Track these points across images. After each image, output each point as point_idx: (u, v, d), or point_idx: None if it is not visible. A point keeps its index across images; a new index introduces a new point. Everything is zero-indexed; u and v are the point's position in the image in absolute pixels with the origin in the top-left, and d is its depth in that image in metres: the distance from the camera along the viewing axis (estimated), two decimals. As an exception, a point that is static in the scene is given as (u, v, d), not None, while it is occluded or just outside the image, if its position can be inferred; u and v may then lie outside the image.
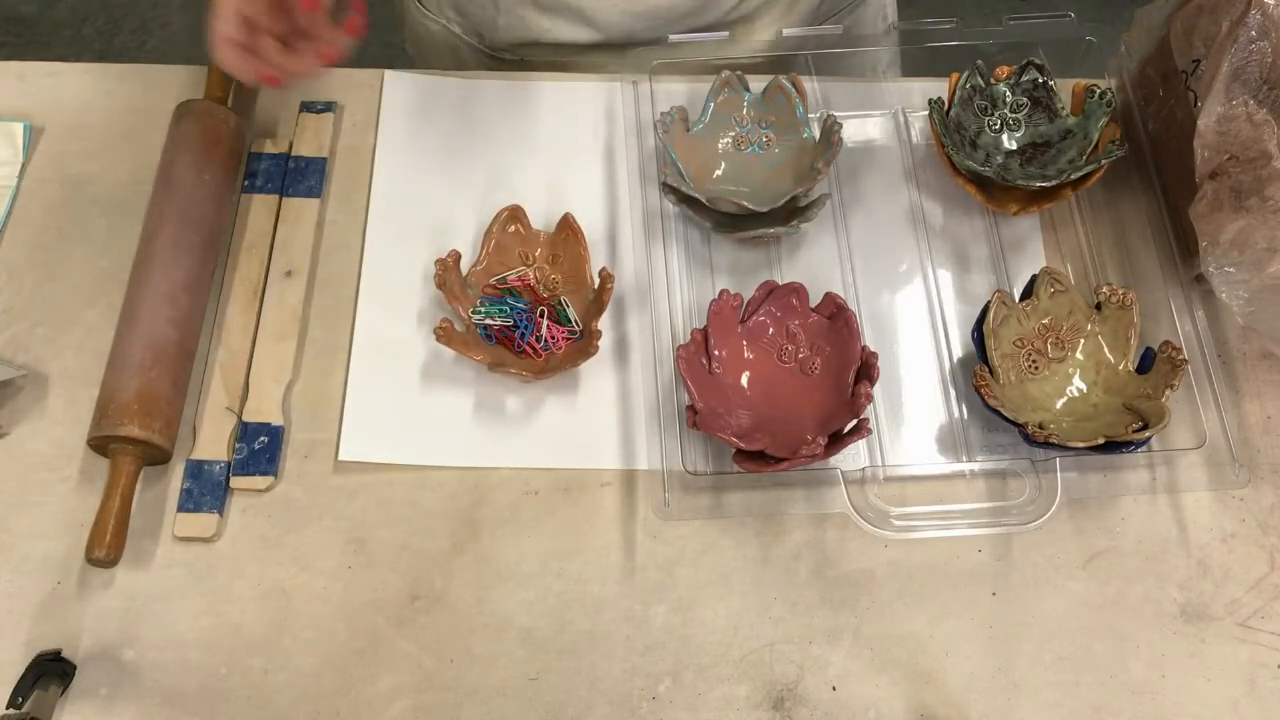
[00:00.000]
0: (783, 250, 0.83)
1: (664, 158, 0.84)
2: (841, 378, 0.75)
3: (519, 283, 0.80)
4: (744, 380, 0.77)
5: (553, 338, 0.77)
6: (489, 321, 0.77)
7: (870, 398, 0.71)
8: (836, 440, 0.71)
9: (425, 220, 0.84)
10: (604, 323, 0.78)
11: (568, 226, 0.81)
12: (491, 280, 0.80)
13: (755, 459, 0.71)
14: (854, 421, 0.71)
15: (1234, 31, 0.71)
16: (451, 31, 0.97)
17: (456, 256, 0.79)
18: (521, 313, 0.77)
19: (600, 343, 0.76)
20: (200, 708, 0.68)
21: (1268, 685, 0.69)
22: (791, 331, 0.77)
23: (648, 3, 0.88)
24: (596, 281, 0.80)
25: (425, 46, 1.00)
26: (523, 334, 0.76)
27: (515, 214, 0.81)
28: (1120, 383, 0.76)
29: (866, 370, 0.73)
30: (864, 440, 0.72)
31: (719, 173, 0.86)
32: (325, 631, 0.70)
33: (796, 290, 0.76)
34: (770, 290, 0.77)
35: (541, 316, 0.77)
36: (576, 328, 0.78)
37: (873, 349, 0.74)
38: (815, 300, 0.77)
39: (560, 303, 0.79)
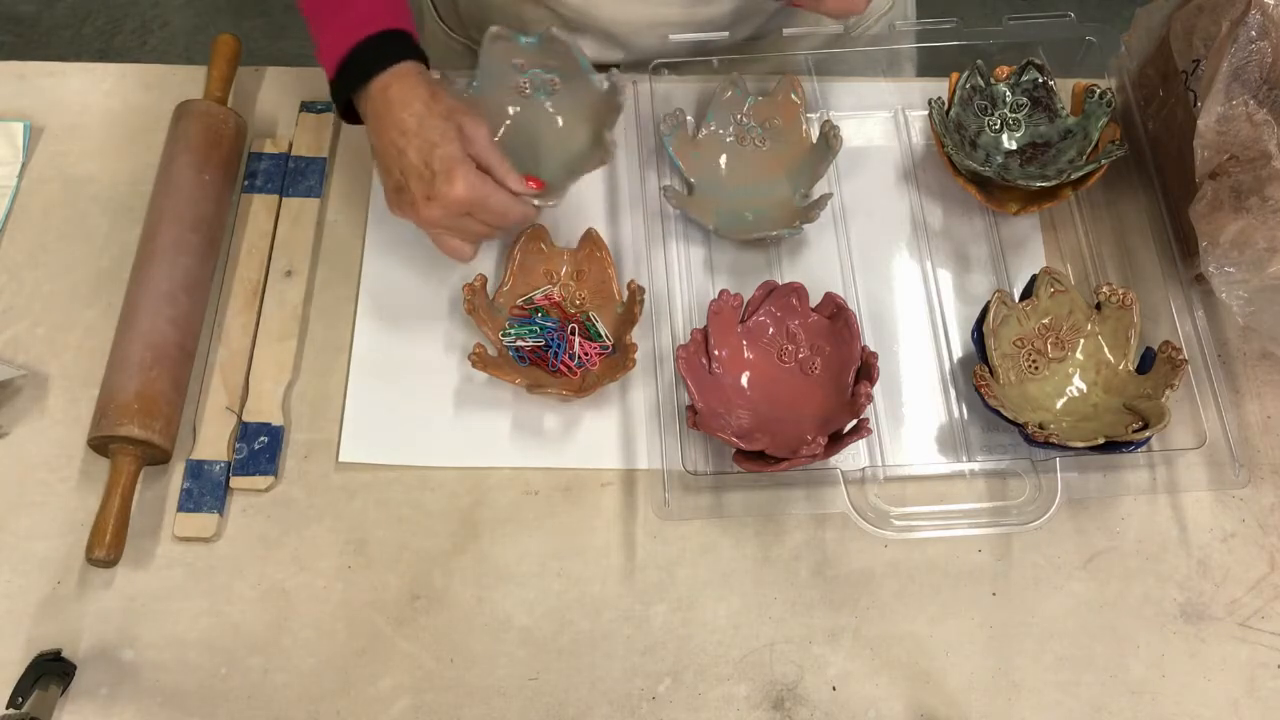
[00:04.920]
0: (783, 250, 0.83)
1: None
2: (841, 378, 0.75)
3: (546, 301, 0.79)
4: (744, 380, 0.77)
5: (586, 354, 0.77)
6: (520, 343, 0.76)
7: (870, 398, 0.71)
8: (836, 440, 0.71)
9: (425, 220, 0.84)
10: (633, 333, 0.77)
11: (591, 241, 0.80)
12: (518, 301, 0.80)
13: (755, 459, 0.71)
14: (854, 422, 0.71)
15: (1234, 31, 0.71)
16: (474, 51, 0.97)
17: (483, 280, 0.78)
18: (552, 331, 0.77)
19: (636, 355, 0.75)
20: (200, 708, 0.68)
21: (1268, 685, 0.69)
22: (791, 331, 0.77)
23: (681, 25, 0.87)
24: (624, 294, 0.79)
25: (448, 63, 1.00)
26: (555, 353, 0.76)
27: (537, 234, 0.81)
28: (1120, 383, 0.76)
29: (866, 370, 0.73)
30: (864, 440, 0.72)
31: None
32: (325, 631, 0.70)
33: (796, 290, 0.76)
34: (770, 290, 0.77)
35: (572, 334, 0.77)
36: (608, 342, 0.78)
37: (873, 349, 0.74)
38: (815, 300, 0.77)
39: (589, 318, 0.78)
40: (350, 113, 0.74)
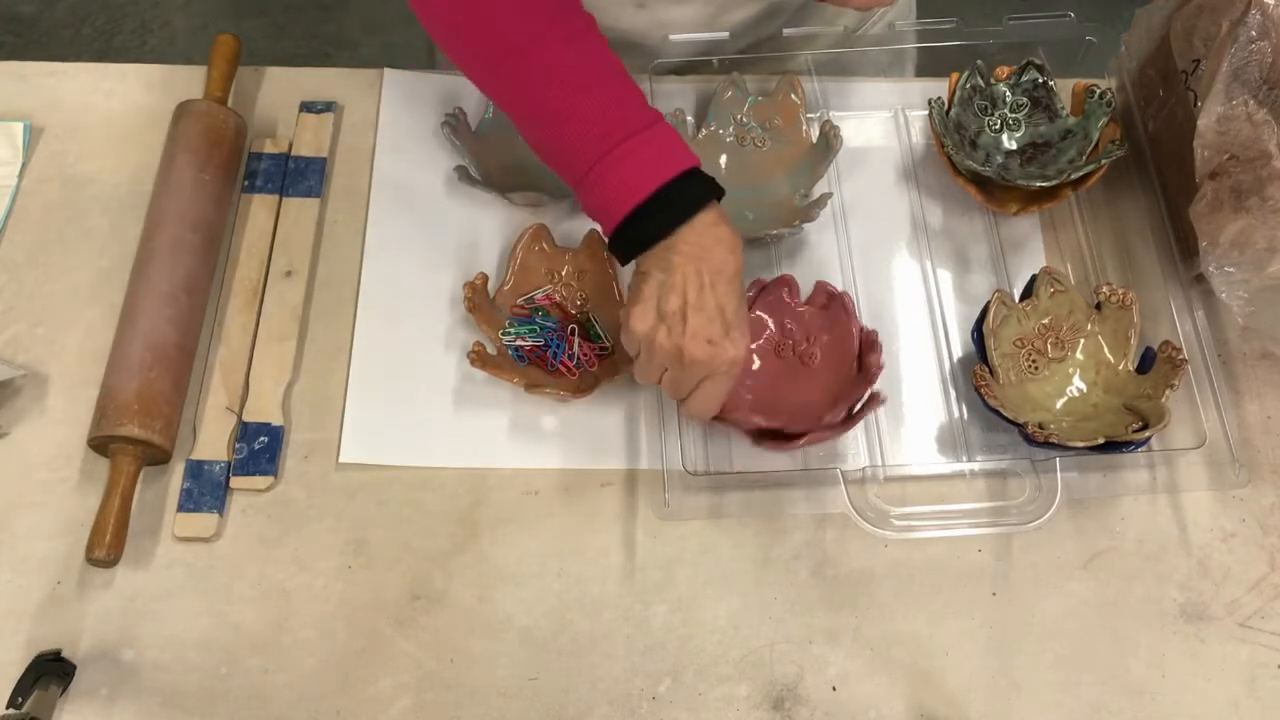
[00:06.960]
0: (783, 250, 0.83)
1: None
2: (844, 361, 0.75)
3: (546, 301, 0.79)
4: (745, 380, 0.77)
5: (585, 355, 0.77)
6: (520, 342, 0.76)
7: (882, 367, 0.72)
8: (852, 416, 0.71)
9: (425, 219, 0.84)
10: None
11: (595, 242, 0.80)
12: (519, 300, 0.80)
13: (775, 438, 0.71)
14: (866, 394, 0.71)
15: (1234, 31, 0.71)
16: None
17: (484, 278, 0.78)
18: (551, 331, 0.77)
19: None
20: (200, 708, 0.68)
21: (1268, 685, 0.69)
22: (787, 326, 0.77)
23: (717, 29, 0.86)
24: (625, 296, 0.79)
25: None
26: (554, 353, 0.76)
27: (539, 233, 0.80)
28: (1120, 383, 0.76)
29: (869, 348, 0.73)
30: (864, 440, 0.72)
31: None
32: (325, 631, 0.70)
33: (788, 284, 0.76)
34: (761, 288, 0.77)
35: (572, 334, 0.77)
36: (607, 343, 0.78)
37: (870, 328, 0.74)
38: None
39: (589, 319, 0.78)
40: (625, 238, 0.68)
